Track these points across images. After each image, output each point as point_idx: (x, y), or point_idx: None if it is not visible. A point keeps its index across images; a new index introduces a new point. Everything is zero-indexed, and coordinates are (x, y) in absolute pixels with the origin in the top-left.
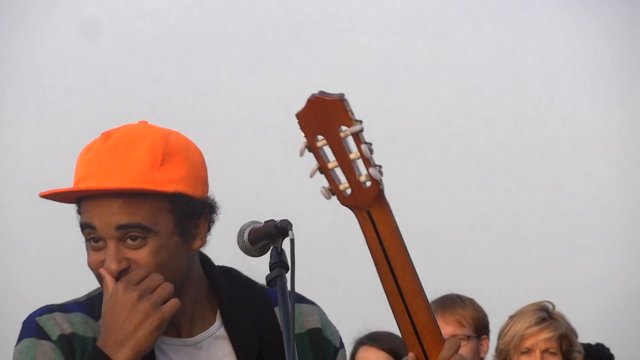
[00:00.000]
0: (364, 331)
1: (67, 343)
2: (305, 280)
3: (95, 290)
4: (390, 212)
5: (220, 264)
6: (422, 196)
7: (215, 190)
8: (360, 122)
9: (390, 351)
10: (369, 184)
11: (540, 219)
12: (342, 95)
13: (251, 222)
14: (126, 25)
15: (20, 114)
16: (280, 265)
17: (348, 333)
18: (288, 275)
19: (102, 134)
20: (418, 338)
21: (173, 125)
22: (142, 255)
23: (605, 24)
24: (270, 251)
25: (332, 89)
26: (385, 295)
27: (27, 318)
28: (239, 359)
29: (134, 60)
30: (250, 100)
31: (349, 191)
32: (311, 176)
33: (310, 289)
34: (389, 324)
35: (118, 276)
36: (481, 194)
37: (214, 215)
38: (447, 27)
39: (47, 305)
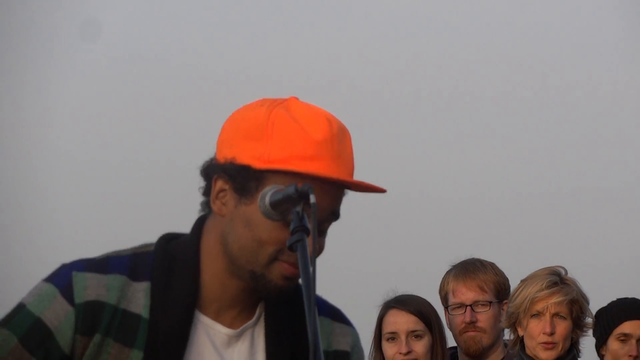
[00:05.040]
0: (391, 294)
1: (90, 310)
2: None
3: (144, 246)
4: None
5: None
6: (461, 167)
7: None
8: None
9: (418, 313)
10: None
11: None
12: None
13: (273, 186)
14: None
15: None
16: (302, 230)
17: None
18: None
19: (313, 113)
20: None
21: (174, 124)
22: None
23: None
24: (291, 215)
25: None
26: None
27: (66, 267)
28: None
29: (134, 61)
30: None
31: None
32: None
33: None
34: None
35: None
36: (511, 168)
37: None
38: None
39: (88, 260)
